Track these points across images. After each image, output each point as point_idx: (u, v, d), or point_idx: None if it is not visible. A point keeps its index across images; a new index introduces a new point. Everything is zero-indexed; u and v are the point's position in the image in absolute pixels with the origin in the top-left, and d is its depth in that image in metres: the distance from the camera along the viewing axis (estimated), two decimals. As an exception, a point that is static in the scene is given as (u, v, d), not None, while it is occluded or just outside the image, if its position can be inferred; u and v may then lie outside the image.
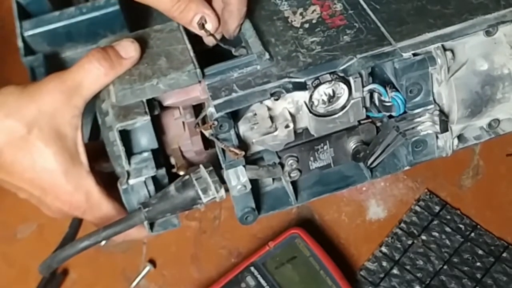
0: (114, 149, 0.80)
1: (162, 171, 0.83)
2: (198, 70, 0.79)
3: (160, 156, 0.85)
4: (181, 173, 0.85)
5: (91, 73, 0.78)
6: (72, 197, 0.80)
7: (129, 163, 0.80)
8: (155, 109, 0.81)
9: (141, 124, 0.79)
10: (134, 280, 1.00)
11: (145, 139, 0.81)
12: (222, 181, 0.81)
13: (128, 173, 0.81)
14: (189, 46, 0.82)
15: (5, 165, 0.78)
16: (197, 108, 0.85)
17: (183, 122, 0.85)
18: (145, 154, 0.81)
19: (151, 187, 0.82)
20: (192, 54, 0.81)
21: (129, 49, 0.80)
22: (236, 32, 0.83)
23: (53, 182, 0.79)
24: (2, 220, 1.05)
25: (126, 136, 0.80)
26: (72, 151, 0.79)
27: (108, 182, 0.82)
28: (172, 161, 0.87)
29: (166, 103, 0.82)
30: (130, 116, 0.78)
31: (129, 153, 0.81)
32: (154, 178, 0.82)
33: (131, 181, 0.80)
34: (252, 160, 0.84)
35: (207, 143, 0.86)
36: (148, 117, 0.78)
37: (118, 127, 0.78)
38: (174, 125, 0.86)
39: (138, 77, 0.80)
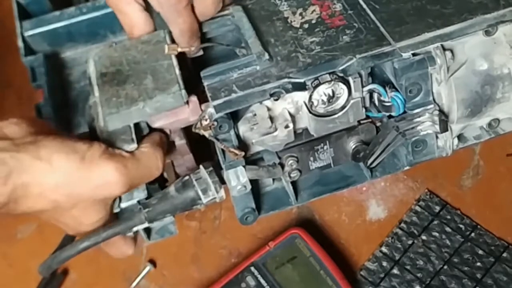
0: None
1: (155, 186, 0.84)
2: (183, 92, 0.79)
3: None
4: None
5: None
6: None
7: None
8: (143, 131, 0.81)
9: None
10: (134, 280, 1.00)
11: None
12: (222, 181, 0.81)
13: (120, 197, 0.81)
14: (175, 62, 0.82)
15: (42, 215, 0.79)
16: (187, 131, 0.84)
17: (173, 143, 0.85)
18: None
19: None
20: (177, 71, 0.81)
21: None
22: (218, 9, 0.84)
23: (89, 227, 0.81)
24: (2, 220, 1.05)
25: None
26: (105, 211, 0.81)
27: None
28: (165, 175, 0.87)
29: (155, 125, 0.82)
30: (117, 145, 0.79)
31: None
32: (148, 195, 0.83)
33: (122, 205, 0.82)
34: (252, 160, 0.84)
35: (199, 159, 0.86)
36: (134, 145, 0.79)
37: None
38: None
39: (124, 99, 0.80)
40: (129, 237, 0.87)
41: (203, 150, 0.87)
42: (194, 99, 0.81)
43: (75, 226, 0.80)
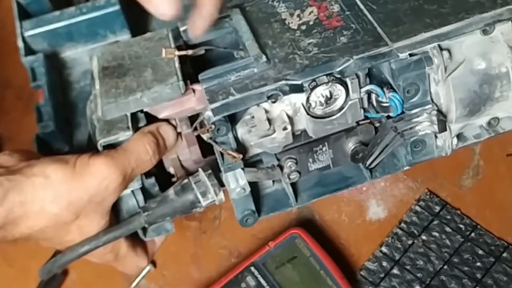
0: None
1: (151, 180, 0.84)
2: (181, 83, 0.79)
3: None
4: None
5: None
6: (104, 256, 0.84)
7: None
8: (140, 121, 0.82)
9: (124, 139, 0.80)
10: (134, 280, 1.00)
11: None
12: (221, 184, 0.81)
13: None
14: (175, 57, 0.82)
15: (45, 238, 0.80)
16: (193, 119, 0.84)
17: (180, 133, 0.85)
18: None
19: (140, 197, 0.83)
20: (177, 65, 0.81)
21: None
22: (202, 35, 0.82)
23: None
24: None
25: (112, 148, 0.81)
26: (107, 217, 0.81)
27: None
28: (172, 170, 0.87)
29: (161, 115, 0.82)
30: (113, 132, 0.80)
31: None
32: (142, 188, 0.83)
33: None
34: (251, 162, 0.84)
35: (205, 151, 0.86)
36: (130, 133, 0.80)
37: (102, 143, 0.80)
38: None
39: (123, 90, 0.80)
40: (140, 248, 0.88)
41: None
42: (199, 88, 0.81)
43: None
